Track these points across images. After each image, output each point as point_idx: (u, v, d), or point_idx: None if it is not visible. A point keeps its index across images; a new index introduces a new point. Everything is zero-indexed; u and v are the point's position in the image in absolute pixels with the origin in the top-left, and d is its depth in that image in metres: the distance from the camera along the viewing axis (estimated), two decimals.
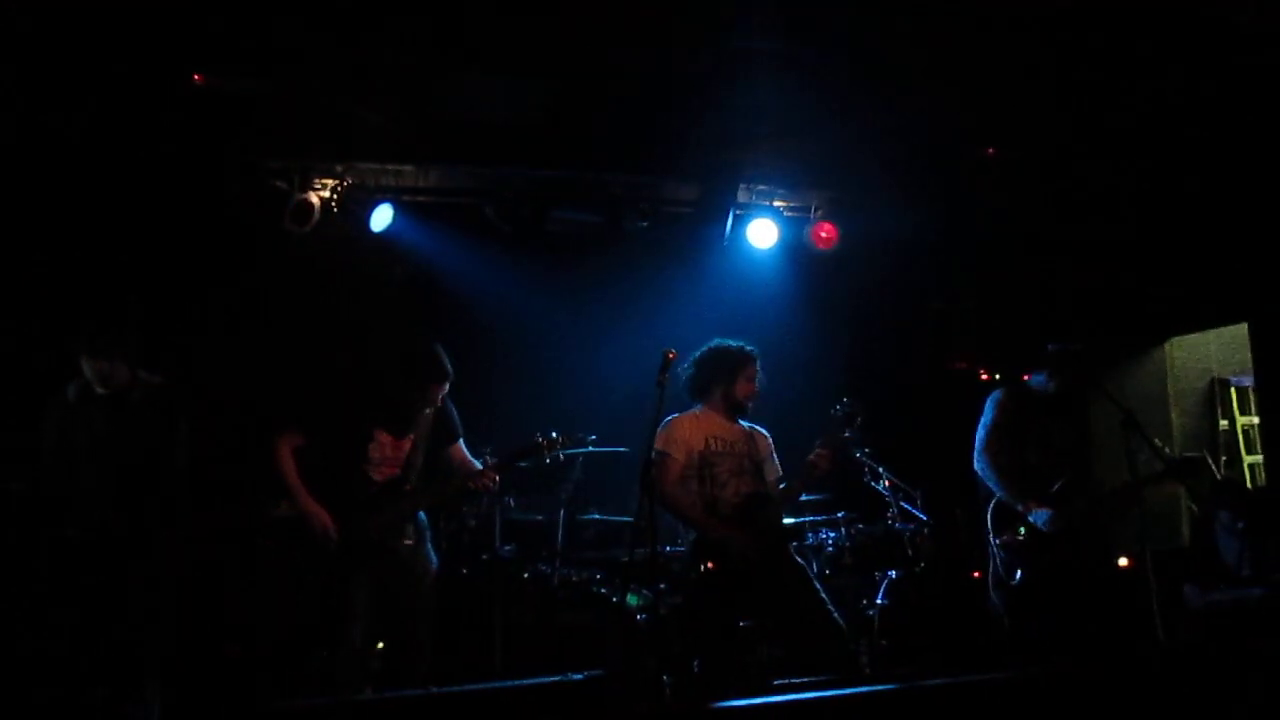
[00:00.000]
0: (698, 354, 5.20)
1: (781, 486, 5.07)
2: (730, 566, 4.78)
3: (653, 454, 4.79)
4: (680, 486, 4.97)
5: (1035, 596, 5.19)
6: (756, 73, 5.74)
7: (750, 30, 5.37)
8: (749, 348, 5.19)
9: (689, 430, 5.06)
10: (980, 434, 5.45)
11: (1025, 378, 5.60)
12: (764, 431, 5.26)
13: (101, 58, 5.22)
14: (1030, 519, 5.24)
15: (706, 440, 5.05)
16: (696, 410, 5.18)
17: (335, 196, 6.41)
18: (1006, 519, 5.30)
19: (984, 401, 5.55)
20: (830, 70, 5.77)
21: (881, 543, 6.16)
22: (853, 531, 6.12)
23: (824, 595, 4.88)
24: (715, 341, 5.21)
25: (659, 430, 4.96)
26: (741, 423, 5.20)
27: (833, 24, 5.24)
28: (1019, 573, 5.20)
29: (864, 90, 5.93)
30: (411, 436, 4.91)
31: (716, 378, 5.13)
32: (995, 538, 5.31)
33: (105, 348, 4.63)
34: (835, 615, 4.81)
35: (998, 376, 5.81)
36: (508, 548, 6.07)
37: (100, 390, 4.67)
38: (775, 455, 5.24)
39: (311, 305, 6.54)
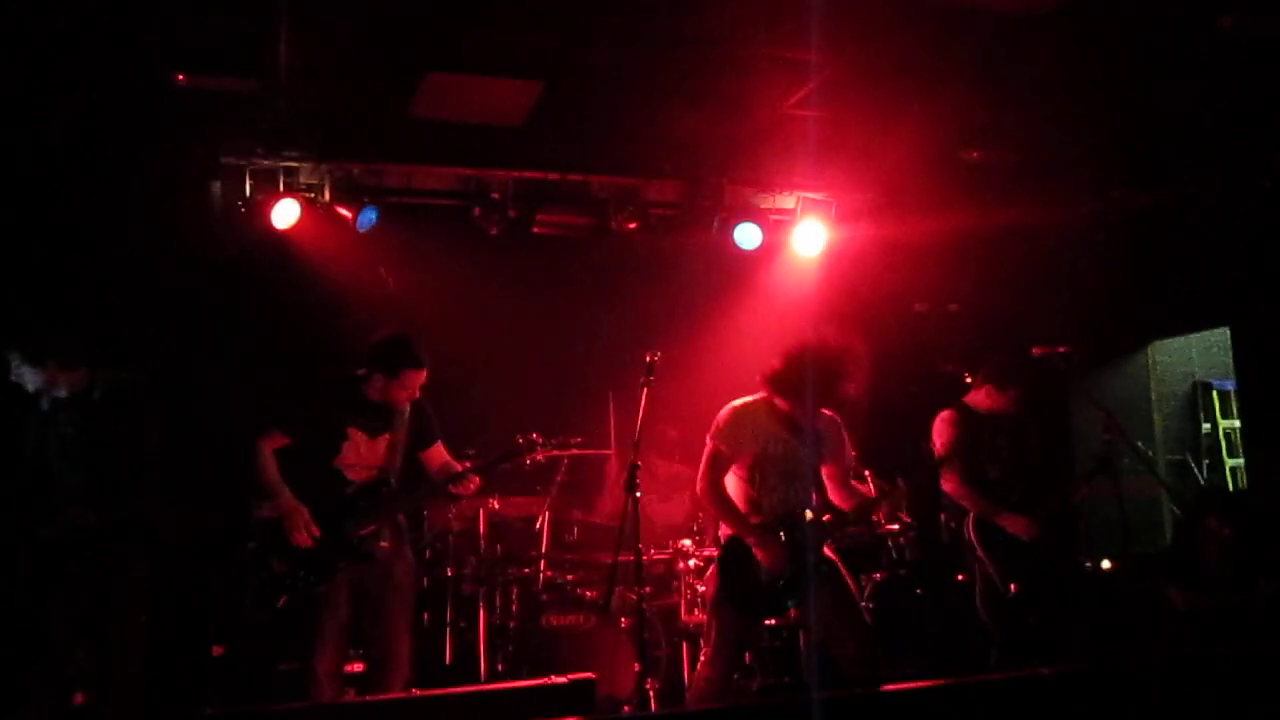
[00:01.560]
0: (794, 349, 4.50)
1: (852, 481, 4.71)
2: (757, 573, 4.49)
3: (706, 441, 4.47)
4: (723, 483, 4.56)
5: (1029, 605, 5.19)
6: (743, 76, 5.74)
7: (737, 33, 5.37)
8: (856, 349, 4.48)
9: (749, 428, 4.52)
10: (943, 456, 5.42)
11: (964, 399, 5.58)
12: (830, 415, 4.67)
13: (84, 56, 5.18)
14: (1010, 530, 5.25)
15: (766, 443, 4.52)
16: (767, 402, 4.58)
17: (320, 197, 6.38)
18: (990, 532, 5.30)
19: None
20: (817, 74, 5.78)
21: (866, 546, 6.17)
22: (837, 535, 6.10)
23: (855, 596, 4.66)
24: (818, 339, 4.50)
25: (718, 417, 4.51)
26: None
27: (820, 28, 5.24)
28: (1013, 585, 5.19)
29: (850, 93, 5.94)
30: (387, 436, 4.85)
31: (814, 381, 4.45)
32: (984, 551, 5.28)
33: (49, 355, 4.54)
34: (865, 620, 4.62)
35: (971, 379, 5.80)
36: (493, 550, 6.05)
37: (62, 394, 4.61)
38: (843, 440, 4.72)
39: (295, 306, 6.51)
